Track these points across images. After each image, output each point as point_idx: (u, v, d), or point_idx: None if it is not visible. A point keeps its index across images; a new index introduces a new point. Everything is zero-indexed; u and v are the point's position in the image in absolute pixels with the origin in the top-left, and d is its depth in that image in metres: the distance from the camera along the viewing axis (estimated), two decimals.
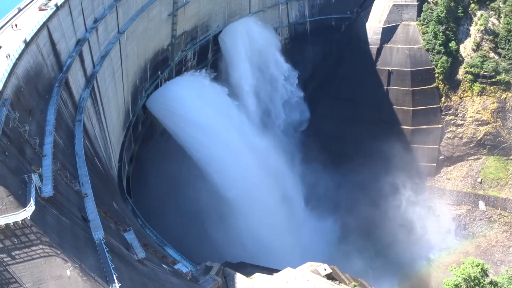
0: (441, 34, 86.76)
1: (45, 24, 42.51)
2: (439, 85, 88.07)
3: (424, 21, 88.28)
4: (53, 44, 44.20)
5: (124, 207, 50.83)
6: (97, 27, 53.57)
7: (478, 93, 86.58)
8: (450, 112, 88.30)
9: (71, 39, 48.72)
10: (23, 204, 27.74)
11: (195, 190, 67.97)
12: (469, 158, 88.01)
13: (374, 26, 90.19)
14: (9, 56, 36.66)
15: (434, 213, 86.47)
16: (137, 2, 62.45)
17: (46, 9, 45.08)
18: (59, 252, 27.10)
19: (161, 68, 73.15)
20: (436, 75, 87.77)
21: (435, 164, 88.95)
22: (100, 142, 51.21)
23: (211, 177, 67.01)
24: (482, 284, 39.47)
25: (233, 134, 72.39)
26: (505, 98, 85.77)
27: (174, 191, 69.14)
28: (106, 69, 55.79)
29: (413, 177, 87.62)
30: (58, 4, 45.50)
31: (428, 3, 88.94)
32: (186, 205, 68.93)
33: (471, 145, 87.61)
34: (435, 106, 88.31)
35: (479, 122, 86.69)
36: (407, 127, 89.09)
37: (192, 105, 69.32)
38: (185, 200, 68.75)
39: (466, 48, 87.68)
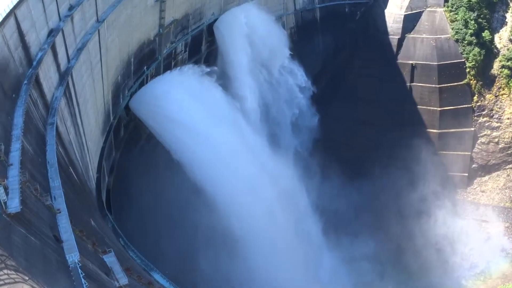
0: (472, 22, 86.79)
1: (12, 12, 42.44)
2: (471, 82, 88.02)
3: (452, 7, 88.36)
4: (21, 35, 44.17)
5: (104, 225, 50.66)
6: (73, 15, 53.58)
7: None
8: (484, 113, 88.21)
9: (43, 29, 48.71)
10: None
11: (190, 207, 67.63)
12: (507, 167, 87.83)
13: (394, 13, 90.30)
14: None
15: (467, 232, 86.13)
16: None
17: None
18: (26, 278, 26.84)
19: (147, 63, 73.15)
20: (467, 69, 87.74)
21: (467, 174, 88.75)
22: (75, 149, 51.13)
23: (210, 198, 66.58)
24: None
25: (236, 145, 72.00)
26: None
27: (163, 208, 68.84)
28: (83, 64, 55.77)
29: (441, 190, 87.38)
30: None
31: None
32: (178, 224, 68.62)
33: (509, 152, 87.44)
34: (466, 106, 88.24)
35: None
36: (434, 131, 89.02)
37: (185, 106, 69.13)
38: (177, 218, 68.44)
39: (502, 39, 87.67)
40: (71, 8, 54.17)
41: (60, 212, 34.48)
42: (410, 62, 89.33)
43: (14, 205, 29.87)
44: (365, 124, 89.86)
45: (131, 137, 74.03)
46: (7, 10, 42.06)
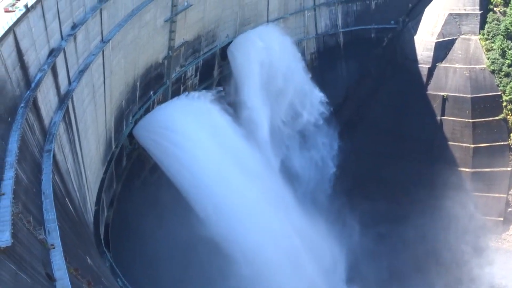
0: (510, 52, 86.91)
1: (11, 29, 43.02)
2: (508, 117, 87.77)
3: (488, 35, 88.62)
4: (20, 54, 44.70)
5: (101, 263, 50.47)
6: (76, 34, 54.26)
7: None
8: None
9: (43, 49, 49.33)
10: None
11: (197, 247, 67.24)
12: None
13: (424, 39, 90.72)
14: None
15: (500, 284, 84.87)
16: (127, 5, 63.37)
17: (14, 11, 45.73)
18: None
19: (154, 87, 73.71)
20: (504, 103, 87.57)
21: (502, 219, 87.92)
22: (73, 179, 51.29)
23: (219, 237, 66.27)
24: None
25: (249, 184, 71.91)
26: None
27: (167, 247, 68.55)
28: (85, 87, 56.28)
29: (474, 236, 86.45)
30: (29, 5, 46.19)
31: (494, 12, 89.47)
32: (183, 266, 68.21)
33: None
34: (502, 143, 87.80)
35: None
36: (466, 170, 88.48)
37: (193, 136, 69.37)
38: (183, 259, 68.10)
39: None
40: (74, 26, 54.88)
41: (54, 248, 34.43)
42: (441, 93, 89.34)
43: (5, 238, 29.85)
44: (390, 158, 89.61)
45: (133, 168, 74.21)
46: (6, 27, 42.59)
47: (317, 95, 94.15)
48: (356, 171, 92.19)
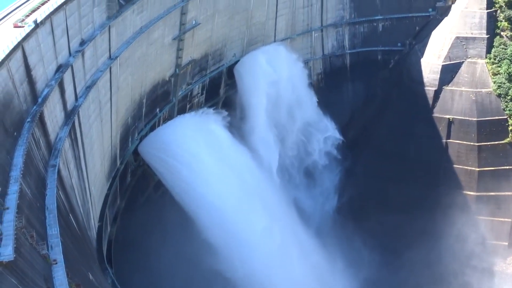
0: None
1: (19, 45, 43.36)
2: None
3: (495, 59, 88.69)
4: (28, 69, 44.99)
5: (103, 280, 50.32)
6: (84, 50, 54.64)
7: None
8: None
9: (51, 64, 49.65)
10: None
11: (201, 265, 66.92)
12: None
13: (431, 62, 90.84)
14: None
15: None
16: (135, 22, 63.88)
17: (23, 26, 46.09)
18: None
19: (160, 104, 74.00)
20: (510, 127, 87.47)
21: (507, 243, 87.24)
22: (77, 195, 51.34)
23: (223, 256, 66.02)
24: None
25: (254, 204, 71.73)
26: None
27: (170, 265, 68.34)
28: (92, 103, 56.54)
29: (478, 260, 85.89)
30: (38, 21, 46.57)
31: (501, 36, 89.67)
32: (187, 285, 67.90)
33: None
34: (507, 167, 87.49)
35: None
36: (471, 193, 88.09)
37: (198, 154, 69.37)
38: (186, 278, 67.80)
39: None
40: (82, 43, 55.29)
41: (56, 263, 34.39)
42: (447, 116, 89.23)
43: (7, 253, 29.83)
44: (395, 181, 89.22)
45: (138, 185, 74.25)
46: (15, 42, 42.90)
47: (327, 128, 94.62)
48: (360, 193, 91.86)
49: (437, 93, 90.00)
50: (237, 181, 71.87)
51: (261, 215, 71.82)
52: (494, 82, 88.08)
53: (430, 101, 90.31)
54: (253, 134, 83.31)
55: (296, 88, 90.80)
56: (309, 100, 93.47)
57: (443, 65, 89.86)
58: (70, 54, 53.15)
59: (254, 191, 74.00)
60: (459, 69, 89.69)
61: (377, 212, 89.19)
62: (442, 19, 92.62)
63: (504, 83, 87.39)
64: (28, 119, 43.55)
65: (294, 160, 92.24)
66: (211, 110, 79.63)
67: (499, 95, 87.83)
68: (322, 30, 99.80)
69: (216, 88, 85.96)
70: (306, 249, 78.39)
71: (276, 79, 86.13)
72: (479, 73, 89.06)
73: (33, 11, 49.33)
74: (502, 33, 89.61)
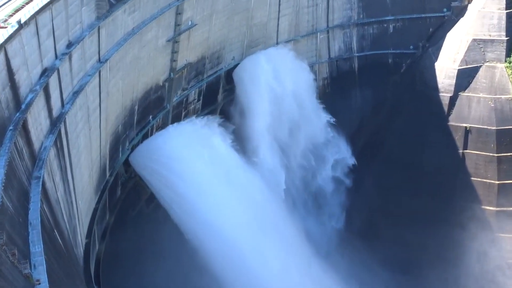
0: None
1: (2, 47, 43.38)
2: None
3: None
4: (10, 73, 44.97)
5: None
6: (71, 53, 54.69)
7: None
8: None
9: (35, 68, 49.68)
10: None
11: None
12: None
13: (446, 66, 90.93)
14: None
15: None
16: (127, 23, 63.99)
17: (6, 27, 46.14)
18: None
19: (153, 112, 74.03)
20: None
21: None
22: (63, 209, 51.25)
23: (218, 278, 65.85)
24: None
25: (256, 220, 71.49)
26: None
27: (162, 286, 68.19)
28: (79, 110, 56.55)
29: (497, 279, 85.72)
30: (22, 21, 46.63)
31: None
32: None
33: None
34: None
35: None
36: (491, 208, 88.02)
37: (195, 165, 69.27)
38: None
39: None
40: (70, 45, 55.32)
41: (39, 283, 34.28)
42: (464, 125, 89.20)
43: None
44: (408, 197, 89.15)
45: (128, 198, 74.12)
46: None
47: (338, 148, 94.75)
48: (369, 208, 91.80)
49: (453, 100, 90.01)
50: (246, 204, 71.60)
51: (276, 249, 71.37)
52: None
53: (445, 108, 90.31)
54: (254, 143, 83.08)
55: (302, 100, 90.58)
56: (317, 114, 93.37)
57: (459, 70, 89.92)
58: (56, 57, 53.21)
59: (265, 217, 73.45)
60: (476, 74, 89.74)
61: (388, 229, 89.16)
62: (458, 20, 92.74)
63: None
64: (11, 127, 43.48)
65: (299, 183, 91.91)
66: (209, 117, 79.57)
67: None
68: (328, 32, 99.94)
69: (214, 93, 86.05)
70: (322, 283, 77.96)
71: (280, 93, 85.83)
72: (498, 78, 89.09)
73: (17, 10, 49.29)
74: None
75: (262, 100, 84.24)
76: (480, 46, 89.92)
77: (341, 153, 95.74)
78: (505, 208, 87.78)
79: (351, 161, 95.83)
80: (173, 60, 73.70)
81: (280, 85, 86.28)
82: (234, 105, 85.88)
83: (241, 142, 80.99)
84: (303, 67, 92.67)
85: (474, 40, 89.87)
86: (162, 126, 76.47)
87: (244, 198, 72.22)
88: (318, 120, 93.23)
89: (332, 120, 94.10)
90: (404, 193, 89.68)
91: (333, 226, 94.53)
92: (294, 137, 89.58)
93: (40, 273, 34.99)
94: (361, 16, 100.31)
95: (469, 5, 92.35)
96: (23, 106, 46.53)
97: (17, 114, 45.59)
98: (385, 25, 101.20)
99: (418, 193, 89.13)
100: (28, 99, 47.42)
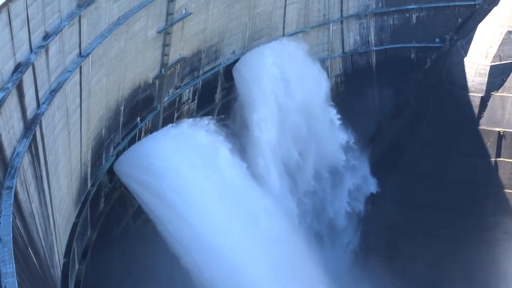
0: None
1: None
2: None
3: None
4: None
5: None
6: (48, 46, 54.71)
7: None
8: None
9: (8, 63, 49.70)
10: None
11: None
12: None
13: (477, 62, 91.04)
14: None
15: None
16: (112, 11, 63.98)
17: None
18: None
19: (141, 113, 74.12)
20: None
21: None
22: (38, 224, 51.34)
23: None
24: None
25: (257, 236, 71.46)
26: None
27: None
28: (57, 111, 56.61)
29: None
30: None
31: None
32: None
33: None
34: None
35: None
36: None
37: (188, 175, 69.27)
38: None
39: None
40: (46, 36, 55.34)
41: None
42: (497, 129, 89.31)
43: None
44: (433, 212, 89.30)
45: (113, 212, 74.16)
46: None
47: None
48: (388, 224, 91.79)
49: (484, 101, 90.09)
50: (237, 210, 71.49)
51: (285, 276, 71.32)
52: None
53: (476, 110, 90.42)
54: (255, 149, 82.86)
55: (310, 90, 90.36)
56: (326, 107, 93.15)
57: (491, 66, 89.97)
58: (31, 50, 53.24)
59: (276, 244, 73.09)
60: (511, 71, 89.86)
61: (409, 248, 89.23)
62: (491, 10, 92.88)
63: None
64: None
65: (311, 211, 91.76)
66: (205, 119, 79.36)
67: None
68: (342, 22, 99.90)
69: (211, 92, 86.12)
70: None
71: (286, 80, 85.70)
72: None
73: None
74: None
75: (266, 98, 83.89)
76: None
77: (360, 178, 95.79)
78: None
79: (374, 187, 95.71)
80: (164, 54, 73.76)
81: (287, 79, 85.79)
82: (235, 105, 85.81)
83: (243, 148, 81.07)
84: (312, 62, 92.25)
85: (509, 32, 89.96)
86: (152, 129, 76.55)
87: (247, 217, 71.93)
88: (334, 140, 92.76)
89: (352, 141, 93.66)
90: (427, 207, 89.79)
91: (347, 245, 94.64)
92: (305, 157, 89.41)
93: None
94: (380, 4, 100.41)
95: None
96: None
97: None
98: (407, 14, 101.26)
99: (443, 207, 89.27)
100: None
